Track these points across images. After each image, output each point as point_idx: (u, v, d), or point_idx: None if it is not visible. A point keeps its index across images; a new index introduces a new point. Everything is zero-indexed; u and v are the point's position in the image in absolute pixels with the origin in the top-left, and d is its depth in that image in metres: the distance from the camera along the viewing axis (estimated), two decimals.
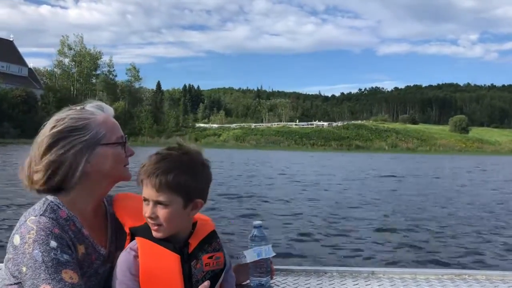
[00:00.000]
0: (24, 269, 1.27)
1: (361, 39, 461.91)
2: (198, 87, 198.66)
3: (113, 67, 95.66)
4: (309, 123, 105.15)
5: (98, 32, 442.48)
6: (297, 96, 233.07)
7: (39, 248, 1.27)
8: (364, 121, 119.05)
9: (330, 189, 18.12)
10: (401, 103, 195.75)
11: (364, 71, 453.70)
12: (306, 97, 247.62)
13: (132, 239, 1.44)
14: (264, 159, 44.32)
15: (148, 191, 1.39)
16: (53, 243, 1.29)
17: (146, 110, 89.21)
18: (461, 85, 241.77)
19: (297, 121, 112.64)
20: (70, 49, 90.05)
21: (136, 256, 1.37)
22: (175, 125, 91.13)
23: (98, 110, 1.51)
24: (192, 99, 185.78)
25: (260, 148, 78.23)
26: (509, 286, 1.94)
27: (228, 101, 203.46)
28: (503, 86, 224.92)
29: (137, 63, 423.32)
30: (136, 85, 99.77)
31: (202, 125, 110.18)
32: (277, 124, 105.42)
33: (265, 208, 12.18)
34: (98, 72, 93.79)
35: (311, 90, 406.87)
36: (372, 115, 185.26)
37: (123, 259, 1.38)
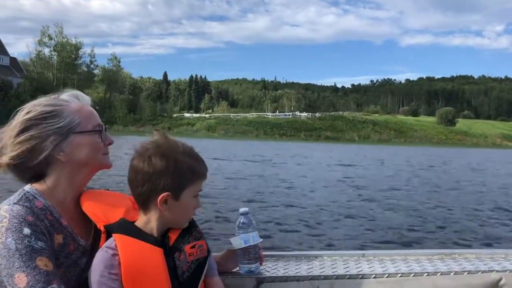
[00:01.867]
0: None
1: (383, 30, 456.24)
2: (205, 77, 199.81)
3: (94, 57, 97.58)
4: (285, 113, 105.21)
5: (120, 23, 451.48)
6: (307, 87, 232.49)
7: (12, 236, 1.25)
8: (346, 112, 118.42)
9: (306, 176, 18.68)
10: (407, 95, 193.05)
11: (385, 62, 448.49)
12: (318, 88, 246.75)
13: (108, 237, 1.38)
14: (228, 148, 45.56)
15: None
16: (27, 230, 1.27)
17: (120, 99, 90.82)
18: (475, 77, 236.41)
19: (278, 111, 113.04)
20: (51, 39, 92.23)
21: (115, 254, 1.31)
22: (151, 114, 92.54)
23: (73, 99, 1.48)
24: (198, 90, 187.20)
25: (228, 138, 79.05)
26: (498, 263, 1.97)
27: (237, 92, 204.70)
28: None
29: (158, 54, 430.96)
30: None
31: (194, 114, 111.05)
32: (253, 114, 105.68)
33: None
34: (80, 61, 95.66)
35: (328, 81, 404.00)
36: (380, 107, 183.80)
37: (100, 259, 1.32)
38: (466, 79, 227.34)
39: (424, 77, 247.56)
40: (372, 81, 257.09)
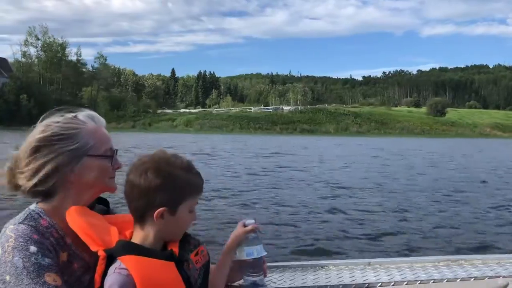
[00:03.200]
0: (7, 278, 1.25)
1: (403, 21, 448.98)
2: (213, 73, 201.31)
3: (80, 56, 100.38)
4: (267, 107, 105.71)
5: (140, 21, 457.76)
6: (316, 81, 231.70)
7: (19, 255, 1.26)
8: (333, 105, 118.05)
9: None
10: (414, 86, 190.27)
11: (405, 53, 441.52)
12: (332, 81, 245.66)
13: (108, 262, 1.33)
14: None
15: None
16: (33, 248, 1.28)
17: (102, 96, 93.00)
18: (490, 66, 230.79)
19: (262, 105, 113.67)
20: (38, 39, 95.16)
21: (129, 275, 1.27)
22: (134, 110, 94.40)
23: (90, 120, 1.49)
24: (205, 85, 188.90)
25: (202, 132, 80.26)
26: (505, 269, 1.96)
27: (247, 87, 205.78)
28: None
29: (178, 51, 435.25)
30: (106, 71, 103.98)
31: (181, 110, 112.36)
32: (235, 109, 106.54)
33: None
34: (67, 60, 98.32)
35: (346, 74, 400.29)
36: (386, 99, 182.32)
37: (116, 280, 1.27)
38: (478, 69, 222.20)
39: (437, 67, 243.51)
40: (384, 72, 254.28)
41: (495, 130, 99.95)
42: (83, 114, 1.51)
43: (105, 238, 1.37)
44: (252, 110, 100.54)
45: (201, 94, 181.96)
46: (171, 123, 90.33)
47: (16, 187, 1.43)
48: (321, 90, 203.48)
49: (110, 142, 1.52)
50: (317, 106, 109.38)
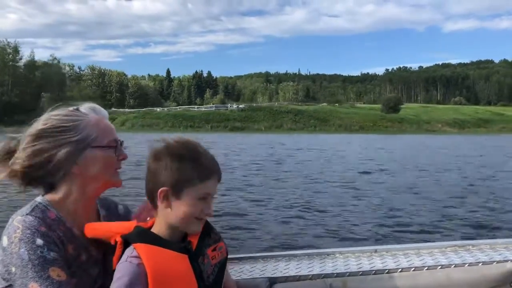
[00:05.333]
0: (13, 269, 1.26)
1: (424, 17, 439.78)
2: (210, 73, 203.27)
3: (33, 58, 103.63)
4: (211, 106, 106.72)
5: (161, 22, 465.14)
6: (314, 79, 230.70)
7: (25, 247, 1.26)
8: (286, 103, 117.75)
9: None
10: (405, 83, 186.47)
11: (422, 50, 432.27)
12: (340, 78, 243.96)
13: (124, 247, 1.32)
14: None
15: (215, 186, 1.36)
16: (39, 241, 1.28)
17: (47, 97, 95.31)
18: (496, 61, 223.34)
19: (212, 104, 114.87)
20: None
21: (140, 264, 1.24)
22: None
23: (91, 112, 1.49)
24: (199, 85, 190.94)
25: (132, 131, 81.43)
26: None
27: (246, 86, 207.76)
28: None
29: (198, 51, 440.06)
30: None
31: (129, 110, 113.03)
32: (179, 108, 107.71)
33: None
34: (20, 63, 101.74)
35: (355, 71, 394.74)
36: (377, 95, 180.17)
37: (126, 271, 1.24)
38: (481, 64, 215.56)
39: (440, 63, 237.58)
40: (387, 69, 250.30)
41: (445, 126, 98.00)
42: (85, 107, 1.50)
43: (122, 226, 1.39)
44: (196, 109, 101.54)
45: (193, 94, 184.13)
46: (111, 122, 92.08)
47: (12, 174, 1.41)
48: (316, 88, 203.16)
49: (113, 133, 1.49)
50: (263, 104, 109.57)
